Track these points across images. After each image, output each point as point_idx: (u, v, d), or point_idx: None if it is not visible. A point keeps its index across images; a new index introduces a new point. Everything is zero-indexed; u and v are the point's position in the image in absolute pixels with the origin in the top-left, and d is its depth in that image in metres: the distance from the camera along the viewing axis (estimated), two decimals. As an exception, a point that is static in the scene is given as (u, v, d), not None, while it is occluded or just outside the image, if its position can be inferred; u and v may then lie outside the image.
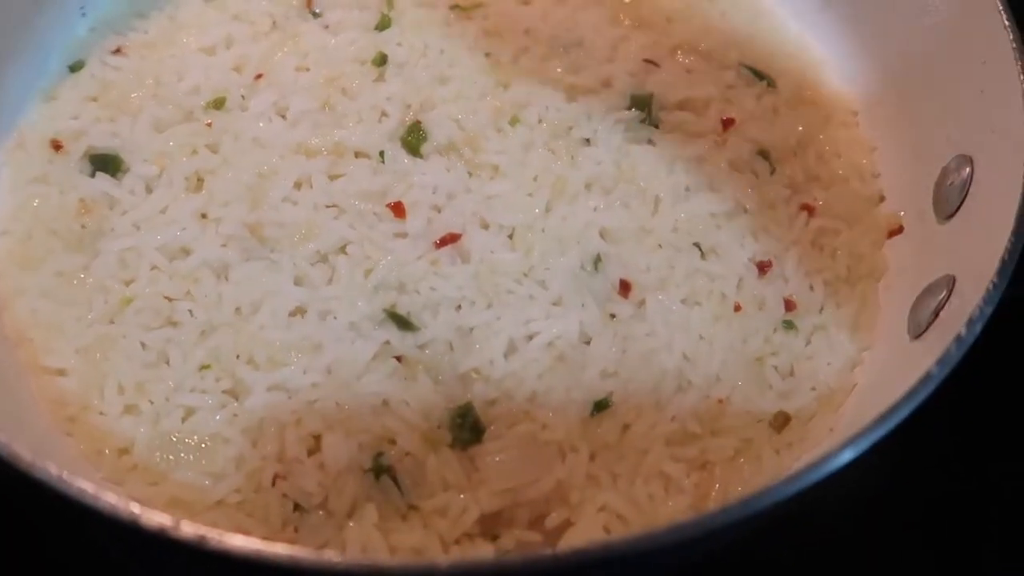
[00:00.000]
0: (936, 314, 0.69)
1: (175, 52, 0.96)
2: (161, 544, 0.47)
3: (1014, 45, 0.73)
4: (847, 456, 0.52)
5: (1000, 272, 0.61)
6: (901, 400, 0.55)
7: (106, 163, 0.87)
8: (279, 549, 0.47)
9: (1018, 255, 0.62)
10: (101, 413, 0.74)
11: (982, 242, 0.67)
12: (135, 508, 0.48)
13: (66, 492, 0.48)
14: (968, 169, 0.76)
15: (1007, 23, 0.74)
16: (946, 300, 0.69)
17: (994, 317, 0.62)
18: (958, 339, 0.58)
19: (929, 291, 0.73)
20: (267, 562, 0.46)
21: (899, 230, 0.88)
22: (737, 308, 0.83)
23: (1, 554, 0.75)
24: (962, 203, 0.75)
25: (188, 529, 0.47)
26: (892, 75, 0.94)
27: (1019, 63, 0.71)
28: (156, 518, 0.48)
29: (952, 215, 0.77)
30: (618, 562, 0.54)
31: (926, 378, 0.56)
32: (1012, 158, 0.67)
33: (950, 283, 0.70)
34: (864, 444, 0.52)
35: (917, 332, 0.72)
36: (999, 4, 0.75)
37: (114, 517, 0.47)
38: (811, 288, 0.85)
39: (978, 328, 0.58)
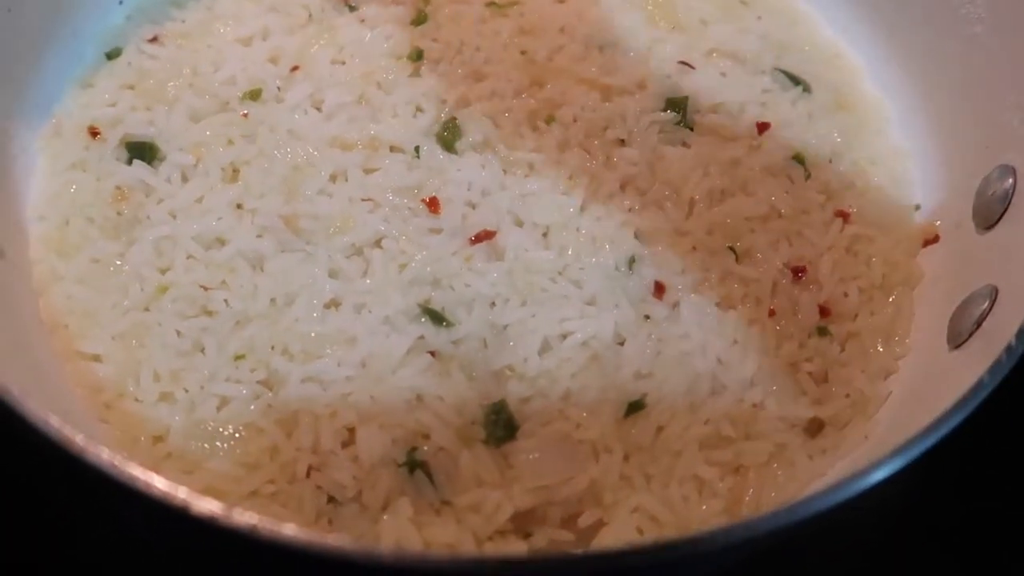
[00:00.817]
0: (979, 324, 0.69)
1: (212, 42, 0.96)
2: (211, 532, 0.47)
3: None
4: (897, 464, 0.52)
5: (1050, 283, 0.61)
6: (951, 409, 0.54)
7: (143, 151, 0.87)
8: (330, 540, 0.47)
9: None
10: (137, 400, 0.74)
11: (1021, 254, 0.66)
12: (183, 494, 0.48)
13: (117, 477, 0.48)
14: (1011, 180, 0.75)
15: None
16: (989, 310, 0.68)
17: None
18: (1008, 349, 0.57)
19: (970, 301, 0.73)
20: (317, 552, 0.46)
21: (935, 239, 0.87)
22: (771, 313, 0.83)
23: (31, 538, 0.75)
24: (1004, 213, 0.75)
25: (240, 518, 0.47)
26: (929, 84, 0.94)
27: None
28: (207, 505, 0.48)
29: (993, 225, 0.77)
30: (651, 567, 0.54)
31: (977, 386, 0.55)
32: (1058, 169, 0.67)
33: (993, 293, 0.70)
34: (914, 452, 0.52)
35: (957, 342, 0.72)
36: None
37: (165, 503, 0.47)
38: (845, 295, 0.85)
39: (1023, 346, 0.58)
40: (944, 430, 0.53)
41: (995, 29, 0.82)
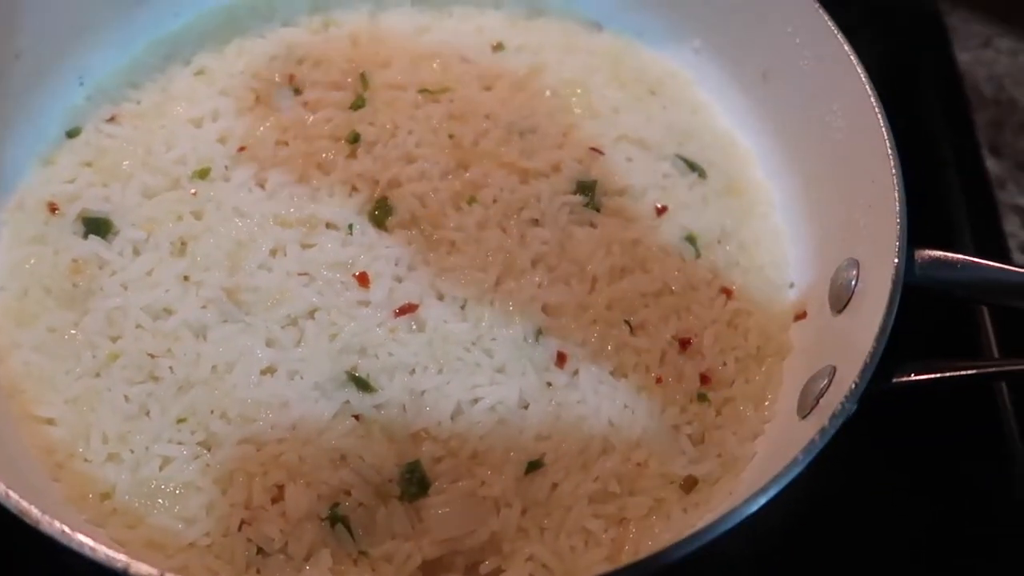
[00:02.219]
0: (818, 400, 0.81)
1: (165, 123, 1.04)
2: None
3: (894, 172, 0.85)
4: (713, 535, 0.63)
5: (862, 373, 0.73)
6: (769, 482, 0.66)
7: (98, 226, 0.95)
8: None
9: (878, 359, 0.74)
10: (86, 460, 0.82)
11: (858, 341, 0.78)
12: (123, 559, 0.57)
13: (68, 544, 0.57)
14: (855, 272, 0.88)
15: (890, 151, 0.87)
16: (827, 388, 0.80)
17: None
18: (822, 431, 0.69)
19: (816, 377, 0.84)
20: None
21: (803, 315, 0.99)
22: (659, 380, 0.94)
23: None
24: (848, 301, 0.88)
25: (171, 578, 0.56)
26: (805, 176, 1.06)
27: (896, 190, 0.83)
28: (144, 568, 0.57)
29: (841, 310, 0.89)
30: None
31: (792, 463, 0.67)
32: (885, 271, 0.80)
33: (831, 373, 0.82)
34: (727, 525, 0.63)
35: (803, 413, 0.84)
36: (885, 135, 0.88)
37: (109, 566, 0.56)
38: (724, 364, 0.96)
39: (840, 422, 0.70)
40: (756, 505, 0.65)
41: (850, 138, 0.95)
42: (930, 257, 0.81)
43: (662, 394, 0.93)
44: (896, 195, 0.83)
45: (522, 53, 1.17)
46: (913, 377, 0.75)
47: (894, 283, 0.78)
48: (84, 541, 0.58)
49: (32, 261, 0.93)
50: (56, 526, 0.58)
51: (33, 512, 0.59)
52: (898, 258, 0.79)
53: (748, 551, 0.91)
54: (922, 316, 0.87)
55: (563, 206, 1.03)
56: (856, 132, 0.93)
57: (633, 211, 1.05)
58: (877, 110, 0.89)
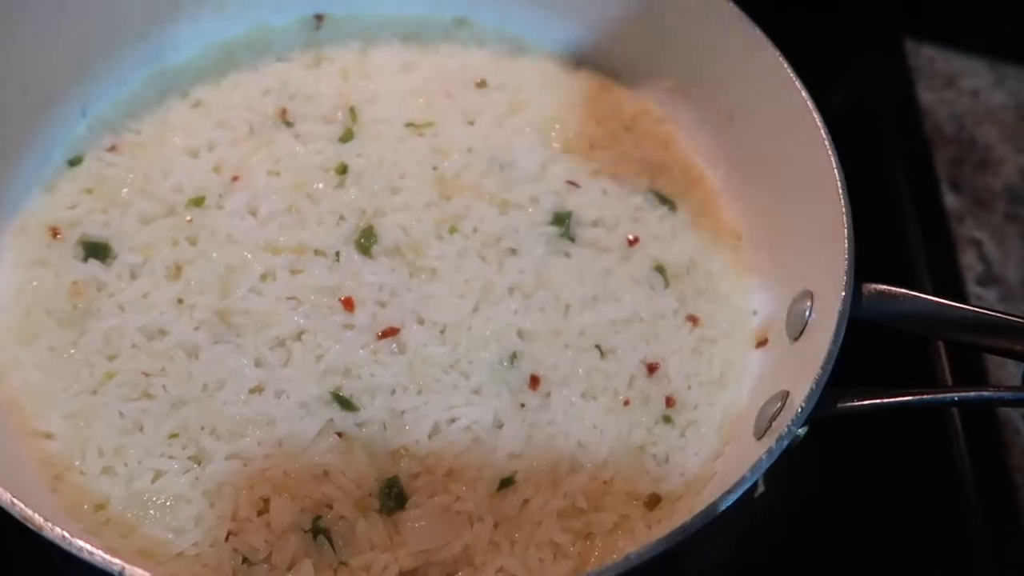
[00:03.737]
0: (771, 422, 0.86)
1: (163, 152, 1.10)
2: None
3: (844, 209, 0.92)
4: (664, 546, 0.69)
5: (808, 398, 0.79)
6: (719, 498, 0.72)
7: (97, 250, 1.00)
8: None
9: (824, 384, 0.80)
10: (82, 473, 0.86)
11: (809, 368, 0.84)
12: (118, 563, 0.62)
13: (68, 549, 0.62)
14: (809, 303, 0.93)
15: (840, 190, 0.93)
16: (779, 411, 0.86)
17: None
18: (768, 451, 0.75)
19: (771, 401, 0.90)
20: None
21: (764, 342, 1.05)
22: (626, 403, 0.99)
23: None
24: (803, 330, 0.93)
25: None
26: (766, 211, 1.12)
27: (846, 227, 0.90)
28: (139, 572, 0.62)
29: (797, 338, 0.95)
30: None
31: (741, 480, 0.73)
32: (834, 303, 0.86)
33: (784, 396, 0.87)
34: (681, 536, 0.69)
35: (759, 435, 0.89)
36: (836, 174, 0.94)
37: (106, 569, 0.61)
38: (689, 388, 1.02)
39: (785, 443, 0.76)
40: (707, 518, 0.71)
41: (807, 176, 1.01)
42: (875, 290, 0.87)
43: (629, 416, 0.98)
44: (844, 230, 0.89)
45: (504, 90, 1.24)
46: (856, 402, 0.81)
47: (840, 314, 0.83)
48: (83, 546, 0.63)
49: (34, 283, 0.98)
50: (57, 532, 0.63)
51: (36, 519, 0.64)
52: (844, 291, 0.85)
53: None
54: (877, 347, 0.93)
55: (540, 236, 1.08)
56: (811, 171, 0.99)
57: (606, 242, 1.11)
58: (829, 150, 0.96)
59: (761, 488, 0.95)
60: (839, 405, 0.81)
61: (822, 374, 0.79)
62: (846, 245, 0.89)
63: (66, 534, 0.63)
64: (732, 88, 1.17)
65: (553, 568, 0.87)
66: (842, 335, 0.83)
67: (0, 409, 0.89)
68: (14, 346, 0.94)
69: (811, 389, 0.78)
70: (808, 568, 1.06)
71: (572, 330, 1.02)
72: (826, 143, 0.97)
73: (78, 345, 0.94)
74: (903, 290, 0.86)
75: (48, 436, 0.89)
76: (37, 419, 0.89)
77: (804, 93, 1.01)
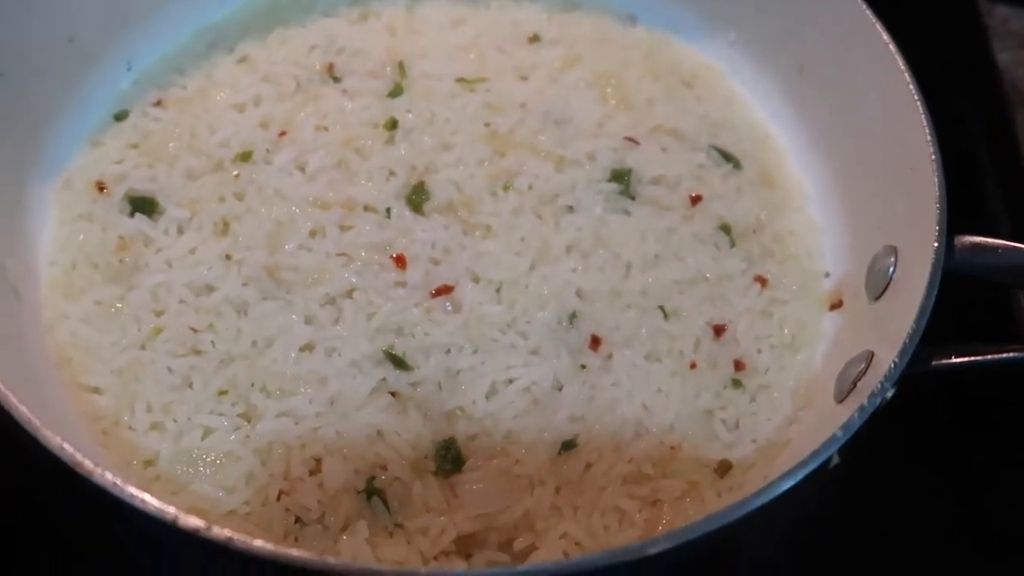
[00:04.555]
0: (855, 383, 0.80)
1: (209, 107, 1.07)
2: (194, 542, 0.58)
3: (934, 158, 0.85)
4: (758, 502, 0.63)
5: (901, 353, 0.73)
6: (807, 457, 0.66)
7: (144, 205, 0.98)
8: (292, 552, 0.58)
9: (919, 338, 0.74)
10: (131, 428, 0.84)
11: (896, 325, 0.78)
12: (172, 511, 0.59)
13: (119, 496, 0.59)
14: (893, 259, 0.88)
15: (929, 138, 0.87)
16: (864, 372, 0.80)
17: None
18: (861, 408, 0.69)
19: (852, 362, 0.84)
20: (281, 562, 0.57)
21: (839, 304, 0.99)
22: (692, 366, 0.94)
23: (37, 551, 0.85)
24: (886, 288, 0.87)
25: (218, 531, 0.58)
26: (840, 167, 1.06)
27: (936, 176, 0.83)
28: (192, 521, 0.58)
29: (879, 297, 0.89)
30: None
31: (831, 440, 0.67)
32: (925, 257, 0.79)
33: (869, 357, 0.81)
34: (773, 493, 0.63)
35: (840, 398, 0.84)
36: (924, 121, 0.88)
37: (158, 517, 0.58)
38: (759, 352, 0.97)
39: (878, 401, 0.70)
40: (798, 476, 0.65)
41: (888, 127, 0.95)
42: (970, 243, 0.81)
43: (696, 379, 0.93)
44: (936, 181, 0.83)
45: (557, 45, 1.19)
46: (953, 359, 0.75)
47: (933, 267, 0.77)
48: (135, 493, 0.59)
49: (80, 237, 0.96)
50: (108, 478, 0.60)
51: (86, 464, 0.60)
52: (937, 242, 0.79)
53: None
54: (957, 304, 0.87)
55: (598, 194, 1.03)
56: (894, 121, 0.93)
57: (668, 200, 1.05)
58: (917, 98, 0.90)
59: (835, 459, 0.89)
60: (933, 363, 0.75)
61: (916, 328, 0.73)
62: (937, 195, 0.83)
63: (117, 481, 0.60)
64: (802, 38, 1.11)
65: (619, 535, 0.83)
66: (936, 289, 0.77)
67: (48, 362, 0.87)
68: (61, 300, 0.92)
69: (904, 344, 0.72)
70: (880, 548, 0.99)
71: (634, 290, 0.97)
72: (911, 88, 0.91)
73: (125, 300, 0.92)
74: (1001, 241, 0.80)
75: (96, 391, 0.86)
76: (85, 373, 0.87)
77: (886, 36, 0.95)
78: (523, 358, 0.91)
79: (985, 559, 0.96)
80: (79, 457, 0.61)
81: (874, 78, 0.97)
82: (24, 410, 0.63)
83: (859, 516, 0.97)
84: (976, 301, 0.93)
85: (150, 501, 0.59)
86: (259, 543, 0.58)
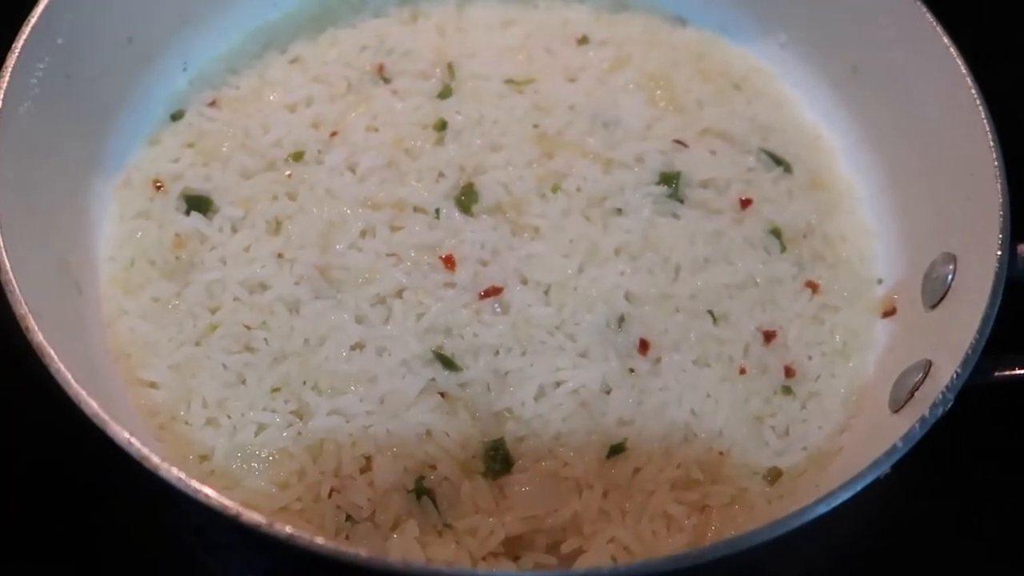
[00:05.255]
0: (912, 393, 0.79)
1: (262, 107, 1.08)
2: (255, 536, 0.59)
3: (996, 164, 0.83)
4: (816, 512, 0.63)
5: (964, 363, 0.71)
6: (866, 468, 0.65)
7: (199, 203, 1.00)
8: (350, 550, 0.59)
9: (982, 349, 0.72)
10: (187, 423, 0.86)
11: (957, 334, 0.77)
12: (235, 507, 0.60)
13: (184, 490, 0.60)
14: (952, 266, 0.86)
15: (992, 143, 0.85)
16: (922, 381, 0.79)
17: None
18: (922, 420, 0.68)
19: (909, 371, 0.83)
20: (342, 560, 0.58)
21: (892, 311, 0.98)
22: (742, 371, 0.93)
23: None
24: (944, 296, 0.86)
25: (280, 527, 0.59)
26: (895, 170, 1.04)
27: (999, 182, 0.82)
28: (255, 516, 0.59)
29: (936, 305, 0.87)
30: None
31: (891, 450, 0.66)
32: (987, 265, 0.78)
33: (927, 366, 0.80)
34: (832, 503, 0.63)
35: (896, 407, 0.82)
36: (986, 126, 0.86)
37: (221, 512, 0.59)
38: (809, 358, 0.95)
39: (940, 411, 0.69)
40: (858, 487, 0.64)
41: (947, 130, 0.93)
42: (1034, 252, 0.79)
43: (745, 385, 0.92)
44: (999, 187, 0.82)
45: (606, 46, 1.18)
46: (1017, 371, 0.73)
47: (997, 275, 0.76)
48: (199, 488, 0.61)
49: (139, 235, 0.98)
50: (174, 473, 0.61)
51: (152, 459, 0.62)
52: (1001, 251, 0.77)
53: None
54: (1018, 314, 0.85)
55: (646, 196, 1.03)
56: (953, 125, 0.91)
57: (717, 203, 1.05)
58: (978, 102, 0.88)
59: (887, 470, 0.88)
60: (996, 374, 0.73)
61: (979, 338, 0.72)
62: (1000, 201, 0.81)
63: (181, 475, 0.61)
64: (856, 39, 1.09)
65: (667, 541, 0.82)
66: (999, 298, 0.75)
67: (107, 356, 0.89)
68: (120, 295, 0.94)
69: (967, 354, 0.71)
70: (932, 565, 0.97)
71: (683, 294, 0.97)
72: (973, 92, 0.89)
73: (181, 296, 0.93)
74: (1067, 250, 0.78)
75: (153, 385, 0.88)
76: (143, 368, 0.89)
77: (947, 39, 0.93)
78: (572, 360, 0.91)
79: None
80: (146, 452, 0.62)
81: (933, 80, 0.95)
82: (94, 405, 0.65)
83: (908, 528, 0.95)
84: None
85: (213, 496, 0.60)
86: (320, 540, 0.59)
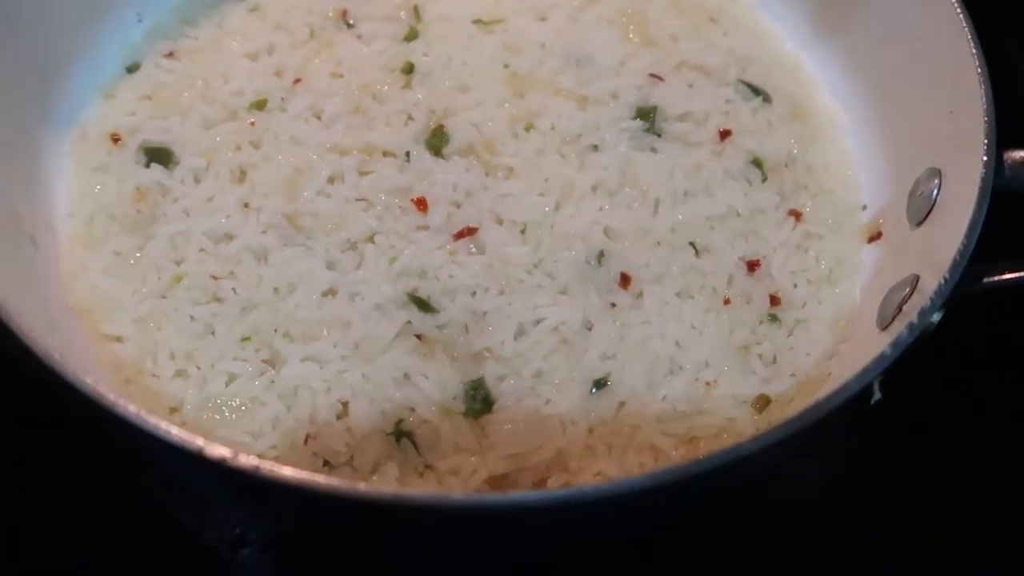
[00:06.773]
0: (900, 307, 0.77)
1: (222, 57, 1.05)
2: (221, 472, 0.56)
3: (979, 70, 0.81)
4: (803, 422, 0.60)
5: (951, 269, 0.69)
6: (854, 377, 0.63)
7: (159, 155, 0.96)
8: (320, 479, 0.56)
9: (970, 254, 0.70)
10: (154, 376, 0.83)
11: (944, 245, 0.74)
12: (200, 441, 0.57)
13: (143, 427, 0.57)
14: (937, 180, 0.84)
15: (974, 51, 0.82)
16: (910, 295, 0.77)
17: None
18: (910, 326, 0.66)
19: (896, 288, 0.81)
20: (311, 489, 0.55)
21: (878, 236, 0.96)
22: (726, 301, 0.91)
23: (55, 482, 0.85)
24: (930, 211, 0.83)
25: (245, 460, 0.56)
26: (875, 94, 1.02)
27: (983, 87, 0.79)
28: (218, 450, 0.57)
29: (922, 222, 0.85)
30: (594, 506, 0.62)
31: (880, 358, 0.64)
32: (973, 172, 0.75)
33: (914, 281, 0.78)
34: (818, 414, 0.60)
35: (884, 324, 0.80)
36: (968, 34, 0.84)
37: (183, 448, 0.56)
38: (795, 286, 0.93)
39: (928, 317, 0.67)
40: (846, 395, 0.62)
41: (929, 44, 0.91)
42: (1020, 158, 0.77)
43: (730, 315, 0.90)
44: (982, 94, 0.79)
45: (577, -16, 1.14)
46: (1006, 276, 0.71)
47: (983, 182, 0.73)
48: (160, 424, 0.58)
49: (97, 189, 0.94)
50: (131, 410, 0.58)
51: (108, 397, 0.59)
52: (986, 156, 0.75)
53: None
54: (1007, 224, 0.82)
55: (623, 132, 1.00)
56: (935, 37, 0.89)
57: (695, 136, 1.02)
58: (959, 10, 0.85)
59: (877, 395, 0.86)
60: (985, 280, 0.71)
61: (967, 244, 0.70)
62: (984, 108, 0.78)
63: (141, 412, 0.58)
64: (832, -38, 1.06)
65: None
66: (986, 205, 0.73)
67: (69, 313, 0.86)
68: (81, 251, 0.90)
69: (955, 259, 0.69)
70: (927, 487, 0.96)
71: (663, 227, 0.94)
72: (953, 1, 0.86)
73: (144, 250, 0.90)
74: (1054, 155, 0.75)
75: (118, 340, 0.85)
76: (107, 323, 0.86)
77: (923, -51, 0.90)
78: (551, 298, 0.88)
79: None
80: (101, 390, 0.59)
81: (912, -2, 0.92)
82: (43, 345, 0.62)
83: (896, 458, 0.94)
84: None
85: (175, 432, 0.58)
86: (288, 471, 0.56)
